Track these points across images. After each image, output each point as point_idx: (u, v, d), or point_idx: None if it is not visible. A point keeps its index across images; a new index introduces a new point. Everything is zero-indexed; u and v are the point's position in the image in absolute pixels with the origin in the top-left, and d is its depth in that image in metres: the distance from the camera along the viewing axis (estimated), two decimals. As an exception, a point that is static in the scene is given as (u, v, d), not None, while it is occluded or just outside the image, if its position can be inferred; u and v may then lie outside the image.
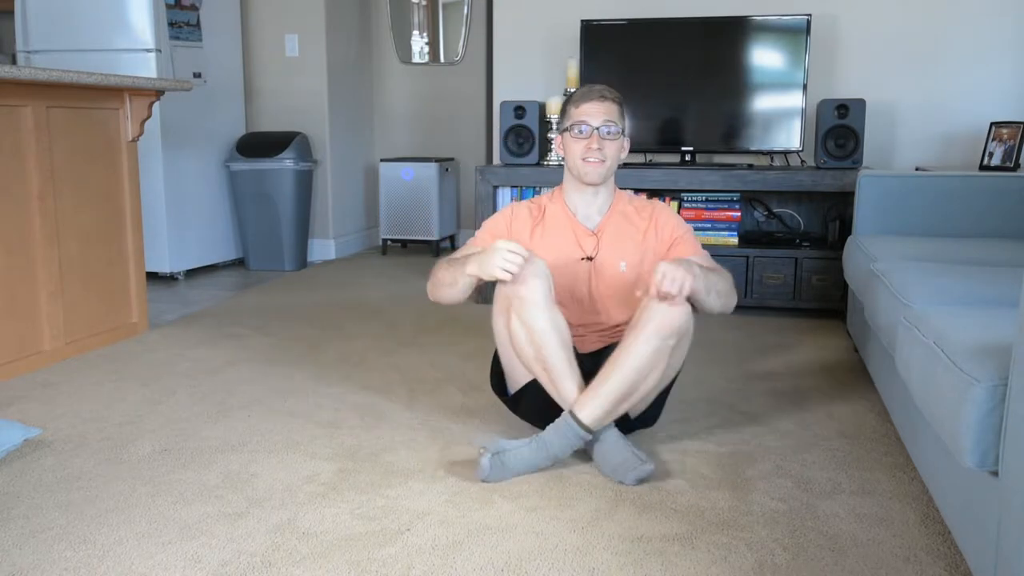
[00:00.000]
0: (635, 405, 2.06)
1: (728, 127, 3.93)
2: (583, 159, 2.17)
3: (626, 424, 2.14)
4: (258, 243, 4.82)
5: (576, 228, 2.23)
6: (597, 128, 2.16)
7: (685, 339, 2.03)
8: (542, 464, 1.97)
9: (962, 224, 3.01)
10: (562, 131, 2.24)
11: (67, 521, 1.76)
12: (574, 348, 2.21)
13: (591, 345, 2.23)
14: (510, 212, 2.29)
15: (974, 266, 2.35)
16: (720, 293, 2.08)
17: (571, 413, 1.97)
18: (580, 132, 2.18)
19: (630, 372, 1.95)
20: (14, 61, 4.70)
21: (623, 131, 2.21)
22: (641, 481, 1.92)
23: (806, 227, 4.05)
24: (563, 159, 2.27)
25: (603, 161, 2.17)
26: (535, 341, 2.01)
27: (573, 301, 2.21)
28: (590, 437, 1.98)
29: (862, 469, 2.03)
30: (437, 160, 5.26)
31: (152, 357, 3.02)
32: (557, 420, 1.99)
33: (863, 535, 1.70)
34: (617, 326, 2.21)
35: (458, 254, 2.19)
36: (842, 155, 3.69)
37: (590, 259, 2.22)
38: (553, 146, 4.05)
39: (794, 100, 3.82)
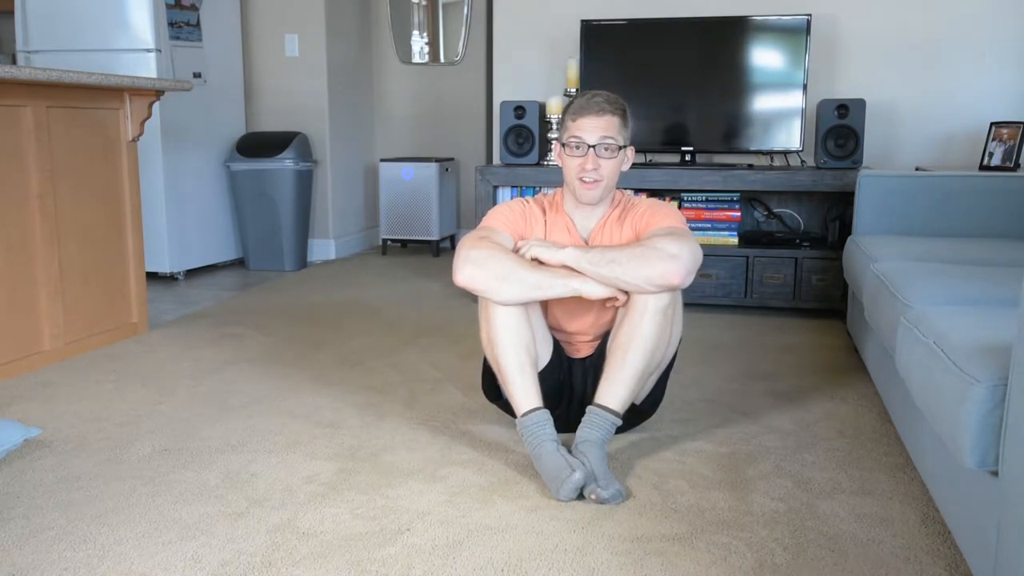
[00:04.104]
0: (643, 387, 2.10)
1: (728, 127, 3.93)
2: (578, 179, 2.08)
3: (635, 414, 2.15)
4: (258, 243, 4.82)
5: (573, 237, 2.16)
6: (593, 147, 2.06)
7: (677, 302, 2.05)
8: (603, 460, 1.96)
9: (962, 224, 3.01)
10: (560, 143, 2.14)
11: (67, 521, 1.76)
12: (568, 356, 2.22)
13: (587, 350, 2.23)
14: (522, 207, 2.19)
15: (974, 266, 2.35)
16: (625, 263, 1.95)
17: (597, 404, 1.99)
18: (576, 149, 2.08)
19: (644, 353, 1.98)
20: (14, 61, 4.71)
21: (623, 145, 2.10)
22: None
23: (806, 227, 4.05)
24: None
25: (599, 181, 2.08)
26: (491, 338, 2.02)
27: (566, 308, 2.18)
28: (620, 422, 2.00)
29: (862, 469, 2.03)
30: (437, 160, 5.26)
31: (152, 357, 3.02)
32: (585, 418, 1.99)
33: (863, 535, 1.70)
34: (609, 332, 2.20)
35: (483, 235, 2.07)
36: (842, 155, 3.69)
37: None
38: (552, 155, 4.04)
39: (794, 100, 3.82)
